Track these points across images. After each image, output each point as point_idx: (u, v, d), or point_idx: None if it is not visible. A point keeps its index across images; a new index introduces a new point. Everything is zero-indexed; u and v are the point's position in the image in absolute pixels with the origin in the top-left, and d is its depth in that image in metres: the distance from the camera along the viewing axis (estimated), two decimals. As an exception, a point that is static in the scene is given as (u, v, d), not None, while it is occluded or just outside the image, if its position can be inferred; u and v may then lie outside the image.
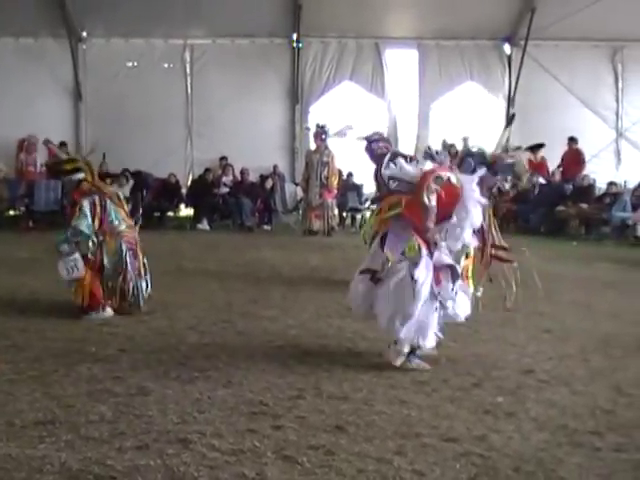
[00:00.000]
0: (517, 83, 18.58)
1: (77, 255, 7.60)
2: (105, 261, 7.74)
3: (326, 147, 16.45)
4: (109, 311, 7.77)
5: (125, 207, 8.21)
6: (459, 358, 6.29)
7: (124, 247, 7.84)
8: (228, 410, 4.94)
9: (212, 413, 4.87)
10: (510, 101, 18.84)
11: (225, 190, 17.98)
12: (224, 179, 18.10)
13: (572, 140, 17.75)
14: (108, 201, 7.89)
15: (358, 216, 18.62)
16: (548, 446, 4.40)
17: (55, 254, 7.68)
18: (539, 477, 4.00)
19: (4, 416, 4.73)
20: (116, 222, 7.85)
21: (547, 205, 16.85)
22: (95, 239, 7.70)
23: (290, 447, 4.30)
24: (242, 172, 18.31)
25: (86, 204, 7.72)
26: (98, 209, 7.75)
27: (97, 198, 7.80)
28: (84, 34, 18.52)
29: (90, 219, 7.68)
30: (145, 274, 8.01)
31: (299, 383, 5.55)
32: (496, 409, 4.97)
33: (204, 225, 17.39)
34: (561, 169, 17.90)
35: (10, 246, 13.67)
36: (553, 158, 18.00)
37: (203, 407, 4.99)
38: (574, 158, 17.71)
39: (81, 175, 7.91)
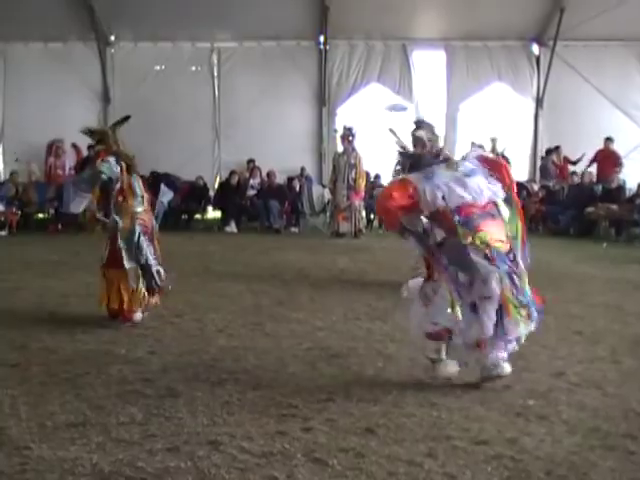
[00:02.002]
0: (546, 84, 18.50)
1: (87, 194, 7.61)
2: (120, 244, 7.49)
3: (353, 149, 16.47)
4: (139, 316, 7.69)
5: (145, 192, 7.86)
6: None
7: (137, 229, 7.57)
8: (258, 412, 4.95)
9: (242, 415, 4.88)
10: (539, 102, 18.76)
11: (253, 192, 18.02)
12: (252, 181, 18.14)
13: (609, 140, 17.58)
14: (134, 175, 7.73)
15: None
16: (580, 449, 4.37)
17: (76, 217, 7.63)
18: (571, 480, 3.99)
19: (36, 418, 4.77)
20: (138, 199, 7.63)
21: (576, 206, 16.76)
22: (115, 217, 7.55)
23: (320, 449, 4.31)
24: (269, 174, 18.35)
25: (112, 159, 7.52)
26: (124, 169, 7.57)
27: (123, 163, 7.59)
28: (112, 38, 18.63)
29: (115, 167, 7.49)
30: (159, 263, 7.77)
31: (328, 386, 5.55)
32: (527, 412, 4.94)
33: (232, 227, 17.43)
34: (591, 169, 17.77)
35: (39, 248, 13.78)
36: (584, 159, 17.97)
37: (233, 409, 5.00)
38: (609, 158, 17.59)
39: (101, 146, 7.73)
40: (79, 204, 7.61)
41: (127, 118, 8.06)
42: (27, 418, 4.79)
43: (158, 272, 7.68)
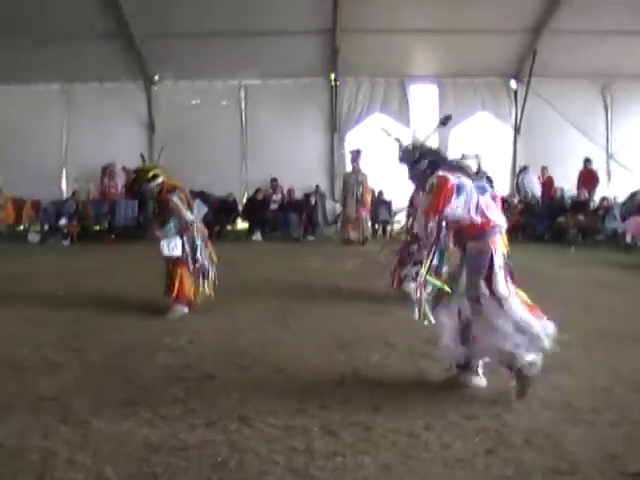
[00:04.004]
0: (522, 113, 18.50)
1: (178, 238, 7.74)
2: (186, 248, 7.79)
3: (360, 169, 16.49)
4: (186, 309, 7.84)
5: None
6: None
7: (199, 237, 7.92)
8: (281, 393, 4.96)
9: (267, 395, 4.89)
10: (516, 129, 18.77)
11: (275, 206, 18.06)
12: (274, 197, 18.17)
13: (588, 161, 17.80)
14: (187, 196, 7.99)
15: (388, 227, 18.58)
16: (553, 422, 4.39)
17: (154, 241, 7.84)
18: (546, 448, 3.98)
19: (95, 398, 4.80)
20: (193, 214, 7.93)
21: (550, 217, 16.79)
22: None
23: (334, 424, 4.32)
24: (289, 191, 18.39)
25: (176, 198, 7.75)
26: (186, 200, 7.88)
27: (181, 194, 7.86)
28: (156, 78, 18.69)
29: (184, 209, 7.76)
30: (213, 263, 8.06)
31: (340, 370, 5.55)
32: (509, 391, 4.93)
33: (257, 236, 17.44)
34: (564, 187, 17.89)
35: (96, 256, 13.86)
36: (555, 177, 18.04)
37: (260, 390, 5.02)
38: (589, 176, 17.70)
39: (160, 180, 7.88)
40: (174, 248, 7.76)
41: (161, 149, 8.25)
42: (87, 397, 4.83)
43: (209, 273, 7.97)
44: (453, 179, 4.85)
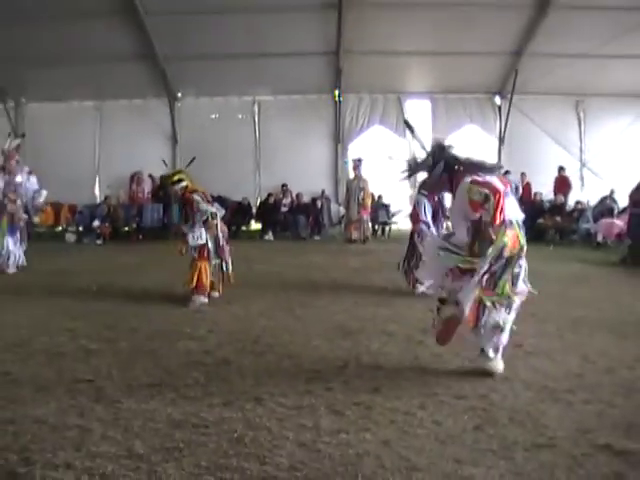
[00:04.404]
0: (506, 126, 18.52)
1: (202, 229, 7.84)
2: (209, 245, 7.90)
3: (361, 176, 16.52)
4: (205, 299, 7.90)
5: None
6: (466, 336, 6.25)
7: (221, 234, 8.06)
8: (290, 376, 4.96)
9: (278, 378, 4.89)
10: (501, 140, 18.79)
11: (285, 209, 18.06)
12: (284, 201, 18.17)
13: (561, 169, 17.84)
14: (207, 197, 8.13)
15: (387, 228, 18.57)
16: (534, 401, 4.38)
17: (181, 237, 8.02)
18: (527, 425, 3.98)
19: (125, 380, 4.81)
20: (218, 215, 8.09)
21: (530, 218, 16.74)
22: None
23: (338, 404, 4.31)
24: (298, 195, 18.38)
25: (198, 197, 7.89)
26: (206, 200, 8.00)
27: (202, 194, 8.02)
28: (179, 95, 18.73)
29: (205, 204, 7.90)
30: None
31: (344, 356, 5.55)
32: (495, 374, 4.92)
33: (269, 236, 17.45)
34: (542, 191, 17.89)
35: (125, 254, 13.88)
36: (534, 182, 18.13)
37: (272, 373, 5.02)
38: (563, 182, 17.71)
39: (184, 183, 8.04)
40: (199, 238, 7.87)
41: (193, 159, 8.48)
42: (118, 380, 4.84)
43: (228, 266, 8.11)
44: (500, 186, 4.73)
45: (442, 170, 4.94)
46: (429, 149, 5.04)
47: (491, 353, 4.95)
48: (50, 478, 3.26)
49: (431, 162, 4.97)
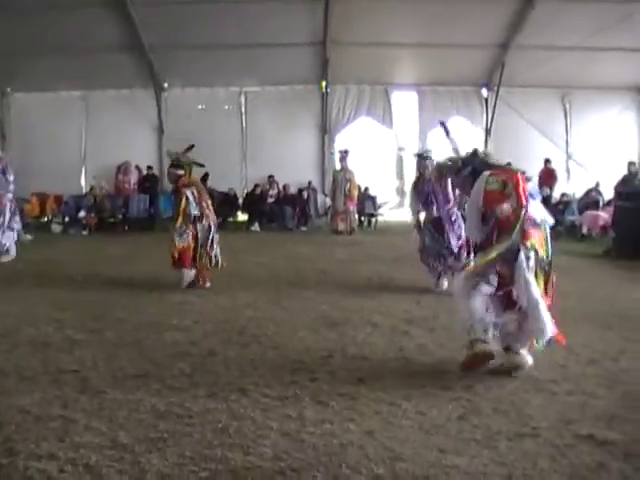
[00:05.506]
0: (492, 118, 18.54)
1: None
2: (199, 234, 8.16)
3: (348, 167, 16.52)
4: (192, 273, 8.21)
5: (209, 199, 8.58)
6: (451, 327, 6.26)
7: (212, 225, 8.28)
8: (275, 367, 4.97)
9: (263, 369, 4.90)
10: (487, 131, 18.80)
11: (271, 200, 18.02)
12: (271, 192, 18.12)
13: (548, 161, 17.82)
14: (201, 192, 8.37)
15: (373, 220, 18.58)
16: (518, 392, 4.41)
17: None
18: (511, 414, 4.01)
19: (110, 371, 4.80)
20: (206, 208, 8.30)
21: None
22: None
23: (323, 394, 4.32)
24: (284, 186, 18.32)
25: (189, 193, 8.14)
26: (198, 196, 8.22)
27: (195, 190, 8.23)
28: (166, 85, 18.58)
29: (195, 203, 8.13)
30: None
31: (329, 346, 5.56)
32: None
33: (256, 227, 17.39)
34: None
35: (111, 245, 13.82)
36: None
37: (257, 364, 5.02)
38: (549, 175, 17.73)
39: (181, 172, 8.29)
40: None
41: (192, 147, 8.68)
42: (103, 370, 4.83)
43: (216, 254, 8.32)
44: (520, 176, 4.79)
45: (468, 173, 5.07)
46: (462, 153, 5.25)
47: (520, 348, 4.82)
48: (33, 468, 3.25)
49: (460, 164, 5.17)
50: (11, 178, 10.99)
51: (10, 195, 10.98)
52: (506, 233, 4.69)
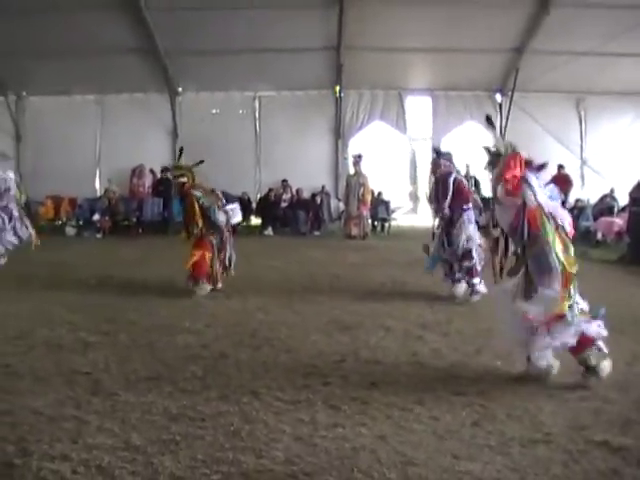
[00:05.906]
0: (506, 124, 18.44)
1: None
2: (213, 241, 8.15)
3: (361, 172, 16.51)
4: (207, 287, 8.05)
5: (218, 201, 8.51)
6: (465, 331, 6.24)
7: (225, 230, 8.34)
8: (288, 370, 4.96)
9: (276, 372, 4.90)
10: (501, 137, 18.72)
11: (285, 204, 18.04)
12: (284, 196, 18.13)
13: (561, 167, 17.63)
14: (207, 193, 8.37)
15: (386, 224, 18.55)
16: (531, 397, 4.38)
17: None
18: (525, 420, 3.99)
19: (122, 373, 4.81)
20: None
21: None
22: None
23: (335, 398, 4.31)
24: (298, 191, 18.34)
25: (198, 193, 8.15)
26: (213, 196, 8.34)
27: (202, 190, 8.26)
28: (180, 89, 18.68)
29: (205, 198, 8.17)
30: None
31: (342, 350, 5.55)
32: (494, 370, 4.92)
33: (269, 231, 17.42)
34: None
35: (125, 248, 13.87)
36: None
37: (269, 367, 5.02)
38: (563, 180, 17.60)
39: (184, 179, 8.24)
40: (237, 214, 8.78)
41: (201, 162, 8.54)
42: (116, 372, 4.84)
43: (230, 257, 8.34)
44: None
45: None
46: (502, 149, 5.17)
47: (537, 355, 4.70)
48: (46, 469, 3.26)
49: (495, 160, 5.12)
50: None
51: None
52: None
